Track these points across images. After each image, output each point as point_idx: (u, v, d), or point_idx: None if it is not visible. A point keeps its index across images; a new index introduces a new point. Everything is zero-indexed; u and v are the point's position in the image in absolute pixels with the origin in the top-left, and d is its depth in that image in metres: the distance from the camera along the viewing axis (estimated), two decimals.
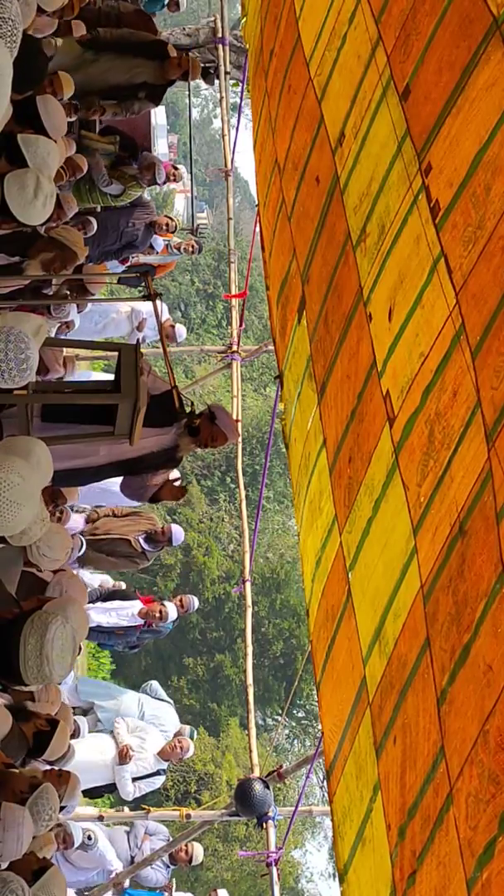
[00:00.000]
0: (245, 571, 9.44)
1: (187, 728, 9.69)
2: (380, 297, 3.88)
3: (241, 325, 11.00)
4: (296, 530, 6.24)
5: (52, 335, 8.53)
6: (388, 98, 3.95)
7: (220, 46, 11.09)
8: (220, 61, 11.05)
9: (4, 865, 4.12)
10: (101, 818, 8.65)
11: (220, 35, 11.16)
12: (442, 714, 3.04)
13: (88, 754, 8.54)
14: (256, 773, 7.50)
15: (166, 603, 9.94)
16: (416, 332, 3.51)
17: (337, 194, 4.49)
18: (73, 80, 7.24)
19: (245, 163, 56.19)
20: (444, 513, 3.16)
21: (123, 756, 8.81)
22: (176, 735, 9.22)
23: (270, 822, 7.21)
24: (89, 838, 8.24)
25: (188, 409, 5.99)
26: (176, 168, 11.09)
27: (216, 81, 11.23)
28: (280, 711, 25.39)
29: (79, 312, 9.34)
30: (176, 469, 6.52)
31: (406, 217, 3.67)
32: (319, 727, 4.52)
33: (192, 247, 11.44)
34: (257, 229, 6.75)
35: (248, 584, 9.34)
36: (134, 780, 8.93)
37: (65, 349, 8.47)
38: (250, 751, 7.81)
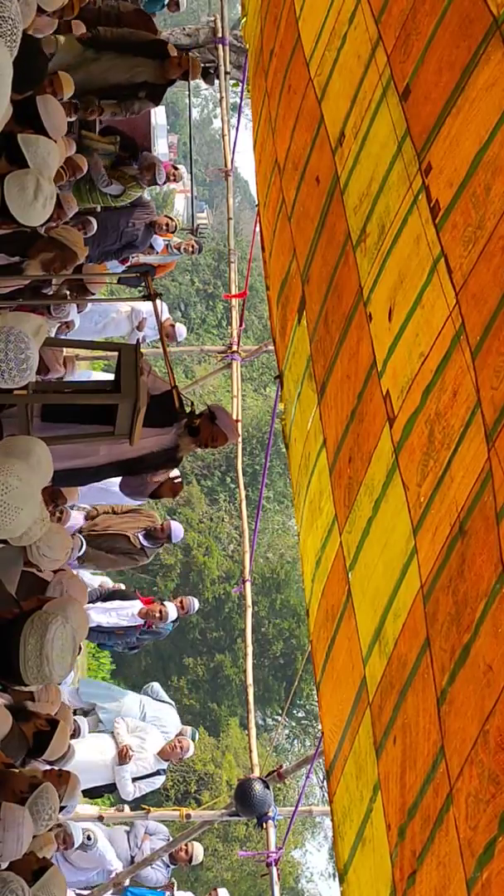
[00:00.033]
0: (245, 571, 9.44)
1: (189, 729, 9.70)
2: (380, 297, 3.88)
3: (241, 325, 10.99)
4: (296, 530, 6.24)
5: (52, 335, 8.53)
6: (388, 98, 3.95)
7: (220, 46, 11.09)
8: (220, 61, 11.05)
9: (4, 865, 4.12)
10: (101, 818, 8.65)
11: (220, 35, 11.16)
12: (442, 714, 3.04)
13: (88, 754, 8.54)
14: (256, 773, 7.50)
15: (166, 603, 9.95)
16: (416, 332, 3.51)
17: (337, 194, 4.49)
18: (73, 80, 7.24)
19: (245, 163, 56.18)
20: (444, 513, 3.16)
21: (123, 756, 8.81)
22: (177, 736, 9.23)
23: (270, 822, 7.21)
24: (88, 838, 8.25)
25: (188, 409, 5.99)
26: (176, 168, 11.09)
27: (216, 81, 11.23)
28: (280, 711, 25.39)
29: (79, 312, 9.34)
30: (176, 469, 6.52)
31: (406, 217, 3.67)
32: (319, 727, 4.52)
33: (192, 247, 11.44)
34: (257, 229, 6.75)
35: (248, 584, 9.34)
36: (134, 780, 8.94)
37: (65, 349, 8.47)
38: (250, 751, 7.81)
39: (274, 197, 5.85)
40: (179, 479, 6.42)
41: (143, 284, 6.11)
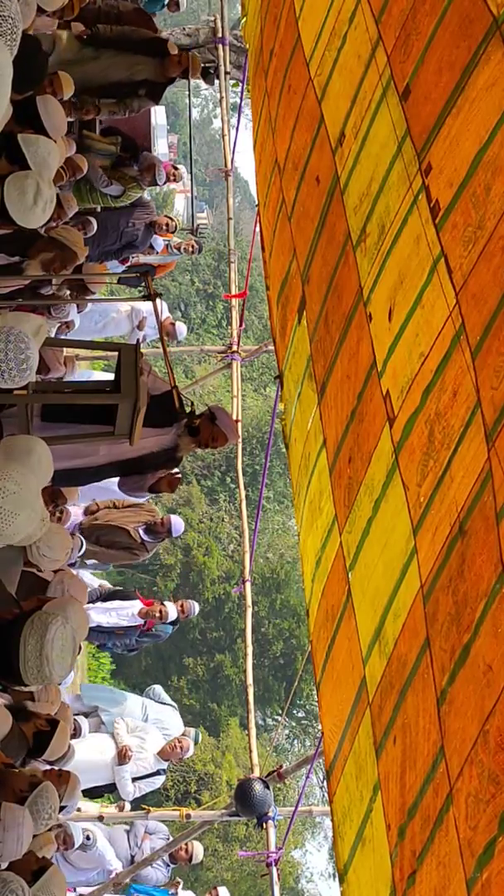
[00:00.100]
0: (245, 571, 9.44)
1: (192, 731, 9.71)
2: (380, 297, 3.88)
3: (241, 325, 10.99)
4: (296, 530, 6.24)
5: (52, 335, 8.54)
6: (389, 98, 3.95)
7: (220, 46, 11.08)
8: (220, 61, 11.04)
9: (4, 865, 4.12)
10: (101, 818, 8.66)
11: (220, 35, 11.15)
12: (442, 714, 3.04)
13: (88, 754, 8.55)
14: (256, 773, 7.50)
15: (166, 603, 9.95)
16: (416, 332, 3.51)
17: (337, 194, 4.49)
18: (72, 80, 7.23)
19: (245, 163, 56.19)
20: (444, 513, 3.16)
21: (122, 757, 8.81)
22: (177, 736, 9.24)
23: (270, 822, 7.21)
24: (88, 838, 8.25)
25: (188, 410, 5.99)
26: (176, 168, 11.09)
27: (216, 81, 11.22)
28: (280, 711, 25.39)
29: (79, 312, 9.34)
30: (176, 469, 6.52)
31: (406, 217, 3.67)
32: (319, 727, 4.52)
33: (192, 247, 11.44)
34: (257, 229, 6.75)
35: (248, 584, 9.34)
36: (134, 780, 8.94)
37: (65, 349, 8.48)
38: (250, 751, 7.81)
39: (274, 197, 5.85)
40: (178, 474, 6.42)
41: (143, 284, 6.11)
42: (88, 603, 9.14)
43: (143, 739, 9.02)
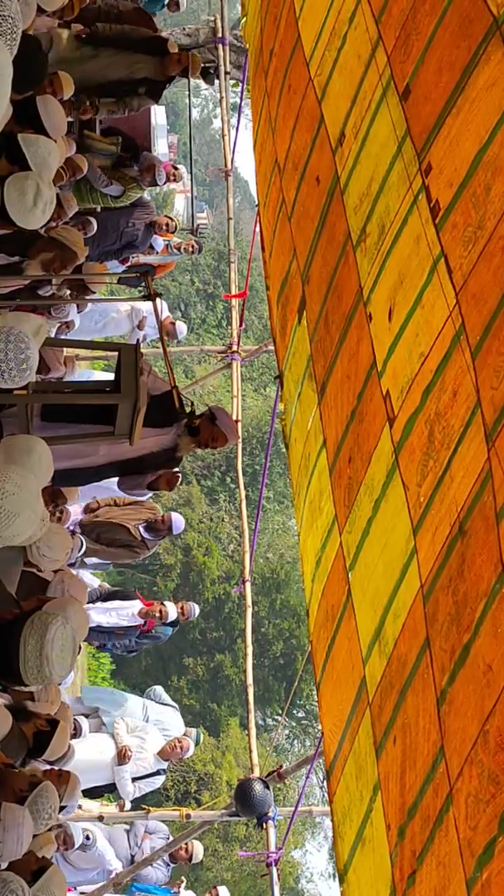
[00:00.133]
0: (245, 571, 9.44)
1: (193, 731, 9.70)
2: (380, 297, 3.88)
3: (241, 325, 10.99)
4: (296, 530, 6.24)
5: (52, 335, 8.54)
6: (389, 98, 3.95)
7: (220, 46, 11.08)
8: (220, 61, 11.04)
9: (4, 865, 4.12)
10: (101, 818, 8.66)
11: (220, 35, 11.15)
12: (442, 714, 3.04)
13: (88, 754, 8.55)
14: (256, 773, 7.50)
15: (166, 603, 9.95)
16: (416, 332, 3.51)
17: (337, 194, 4.49)
18: (72, 80, 7.23)
19: (245, 163, 56.20)
20: (444, 513, 3.16)
21: (122, 757, 8.81)
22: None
23: (270, 822, 7.21)
24: (88, 838, 8.25)
25: (188, 410, 5.99)
26: (176, 168, 11.09)
27: (216, 81, 11.22)
28: (280, 711, 25.39)
29: (79, 312, 9.34)
30: (176, 468, 6.52)
31: (406, 217, 3.67)
32: (319, 727, 4.52)
33: (192, 247, 11.44)
34: (257, 229, 6.75)
35: (248, 584, 9.34)
36: (134, 780, 8.94)
37: (65, 349, 8.48)
38: (250, 751, 7.81)
39: (274, 197, 5.85)
40: (177, 472, 6.41)
41: (143, 284, 6.11)
42: (88, 603, 9.14)
43: (142, 739, 9.02)
